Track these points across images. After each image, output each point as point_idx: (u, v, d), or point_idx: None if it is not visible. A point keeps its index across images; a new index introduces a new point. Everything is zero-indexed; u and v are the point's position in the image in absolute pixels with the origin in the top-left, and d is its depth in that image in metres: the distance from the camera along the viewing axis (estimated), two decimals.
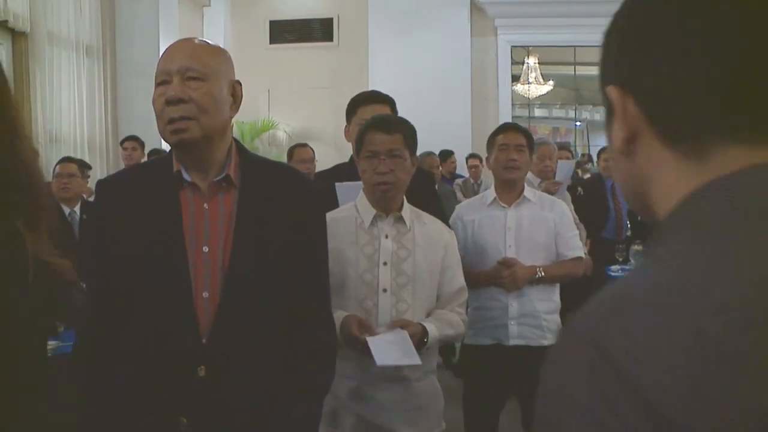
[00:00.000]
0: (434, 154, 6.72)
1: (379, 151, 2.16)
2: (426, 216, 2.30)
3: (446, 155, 7.49)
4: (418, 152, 6.93)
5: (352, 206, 2.25)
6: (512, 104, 9.56)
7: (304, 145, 5.52)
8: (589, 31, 8.89)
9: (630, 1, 0.70)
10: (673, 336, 0.50)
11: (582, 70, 11.62)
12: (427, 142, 7.12)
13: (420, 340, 2.07)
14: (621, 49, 0.68)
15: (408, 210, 2.25)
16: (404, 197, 2.25)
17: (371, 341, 1.98)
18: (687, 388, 0.49)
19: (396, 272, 2.16)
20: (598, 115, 14.30)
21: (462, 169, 8.04)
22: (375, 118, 2.34)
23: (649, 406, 0.49)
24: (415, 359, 2.01)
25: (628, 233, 6.18)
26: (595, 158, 10.42)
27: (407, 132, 2.23)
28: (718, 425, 0.48)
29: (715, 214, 0.58)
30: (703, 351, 0.49)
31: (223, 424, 1.52)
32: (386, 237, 2.19)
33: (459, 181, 7.66)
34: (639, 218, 4.85)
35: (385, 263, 2.16)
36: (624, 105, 0.64)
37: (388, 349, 1.98)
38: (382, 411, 2.11)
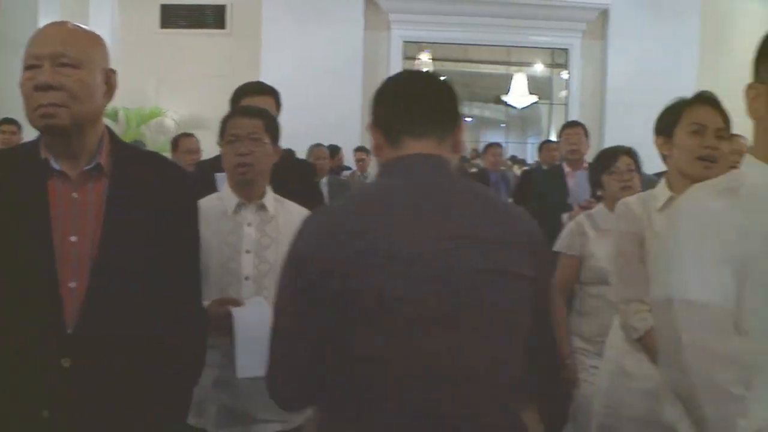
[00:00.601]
0: (323, 146, 6.77)
1: (239, 134, 2.20)
2: (292, 205, 2.32)
3: (334, 151, 7.58)
4: (308, 144, 6.96)
5: (215, 195, 2.27)
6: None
7: (190, 135, 5.40)
8: (481, 30, 9.21)
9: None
10: (315, 224, 1.46)
11: (474, 68, 11.92)
12: (317, 135, 7.17)
13: None
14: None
15: (271, 198, 2.27)
16: (269, 186, 2.29)
17: (236, 312, 2.03)
18: (313, 248, 1.40)
19: (259, 260, 2.18)
20: (488, 111, 14.73)
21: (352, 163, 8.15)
22: (239, 107, 2.41)
23: (295, 265, 1.41)
24: None
25: None
26: (514, 156, 10.79)
27: (268, 120, 2.28)
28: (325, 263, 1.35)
29: (383, 171, 1.53)
30: (324, 229, 1.42)
31: (87, 417, 1.49)
32: (249, 225, 2.21)
33: (347, 173, 7.78)
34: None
35: (247, 251, 2.18)
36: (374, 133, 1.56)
37: (253, 348, 1.97)
38: (245, 399, 2.12)
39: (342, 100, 8.17)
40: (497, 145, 7.53)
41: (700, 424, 1.35)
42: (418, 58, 10.47)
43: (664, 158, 2.37)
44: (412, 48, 9.81)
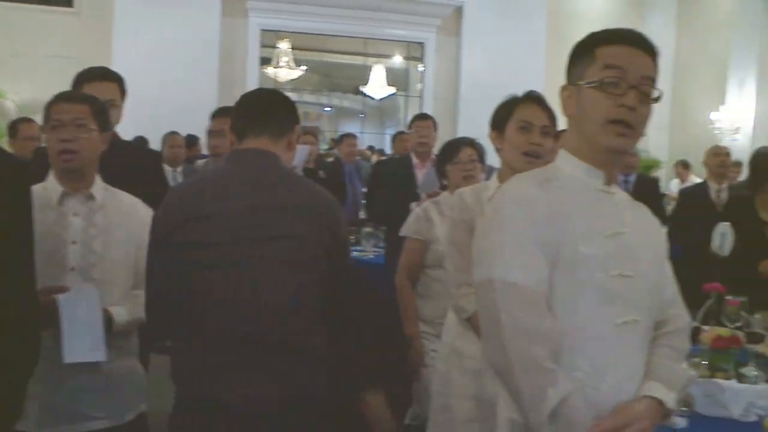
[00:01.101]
0: (178, 134, 6.60)
1: (63, 120, 2.12)
2: (122, 194, 2.29)
3: (192, 141, 7.39)
4: (162, 133, 6.75)
5: (41, 185, 2.17)
6: (262, 88, 9.57)
7: (30, 121, 5.11)
8: (340, 21, 9.28)
9: None
10: (169, 196, 2.00)
11: (333, 58, 11.98)
12: (172, 123, 6.99)
13: (107, 322, 2.09)
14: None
15: (101, 187, 2.23)
16: (97, 175, 2.24)
17: (61, 298, 2.00)
18: (162, 212, 1.95)
19: (85, 251, 2.14)
20: (347, 102, 14.86)
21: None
22: (64, 92, 2.28)
23: (153, 226, 1.97)
24: (101, 355, 2.04)
25: (362, 215, 6.56)
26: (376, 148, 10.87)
27: (96, 106, 2.21)
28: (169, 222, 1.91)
29: (226, 159, 2.08)
30: (171, 199, 1.98)
31: None
32: (75, 215, 2.16)
33: (201, 162, 7.62)
34: (376, 206, 5.12)
35: (74, 242, 2.13)
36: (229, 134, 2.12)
37: (80, 333, 1.99)
38: (69, 395, 2.08)
39: (197, 87, 7.96)
40: (351, 135, 7.57)
41: (516, 395, 1.50)
42: (277, 47, 10.41)
43: (498, 151, 2.51)
44: (270, 36, 9.74)
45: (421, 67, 9.81)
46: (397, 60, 11.39)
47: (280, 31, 9.68)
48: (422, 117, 5.13)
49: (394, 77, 11.67)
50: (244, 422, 1.86)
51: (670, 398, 1.57)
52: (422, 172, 4.88)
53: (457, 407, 2.41)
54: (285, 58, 10.57)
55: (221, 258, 1.86)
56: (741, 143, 9.40)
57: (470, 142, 3.39)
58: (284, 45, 10.45)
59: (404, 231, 3.33)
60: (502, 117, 2.47)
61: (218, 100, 8.00)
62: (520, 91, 2.54)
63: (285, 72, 10.64)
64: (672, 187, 9.93)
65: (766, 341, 3.01)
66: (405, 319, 3.24)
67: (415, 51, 9.96)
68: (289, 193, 1.96)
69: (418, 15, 9.33)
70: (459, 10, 9.32)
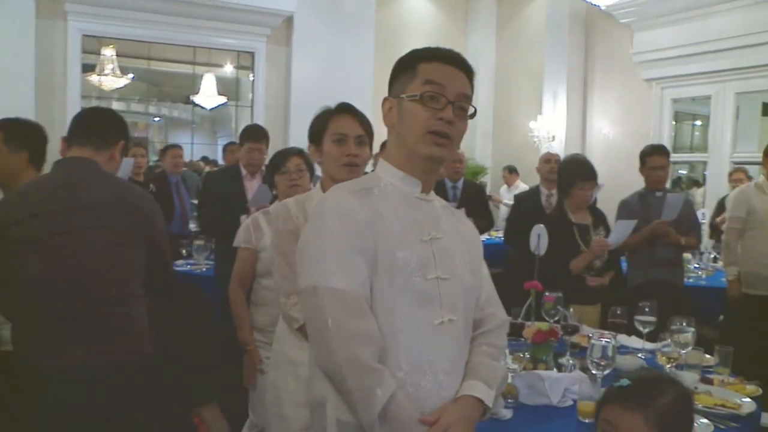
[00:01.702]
0: None
1: None
2: None
3: None
4: None
5: None
6: (85, 96, 9.04)
7: None
8: (167, 29, 8.98)
9: None
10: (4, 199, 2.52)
11: (162, 66, 11.59)
12: None
13: None
14: None
15: None
16: None
17: None
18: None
19: None
20: (177, 111, 14.43)
21: None
22: None
23: None
24: None
25: (193, 228, 6.41)
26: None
27: None
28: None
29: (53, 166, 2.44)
30: (7, 200, 2.47)
31: None
32: None
33: None
34: (206, 218, 4.98)
35: None
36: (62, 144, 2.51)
37: None
38: None
39: (11, 94, 7.30)
40: (176, 146, 7.30)
41: (347, 396, 1.55)
42: (102, 54, 9.92)
43: (319, 164, 2.56)
44: (92, 42, 9.25)
45: (252, 77, 9.71)
46: (228, 69, 11.22)
47: (103, 37, 9.19)
48: (255, 138, 4.94)
49: (225, 86, 11.48)
50: (67, 389, 2.20)
51: (489, 396, 1.69)
52: (252, 184, 4.85)
53: (292, 416, 2.42)
54: (110, 66, 10.11)
55: (42, 248, 2.26)
56: (556, 150, 10.06)
57: (298, 152, 3.42)
58: (109, 52, 9.98)
59: (236, 242, 3.34)
60: (317, 130, 2.52)
61: (36, 107, 7.49)
62: (350, 100, 2.59)
63: (110, 80, 10.17)
64: (502, 192, 10.48)
65: (580, 332, 3.26)
66: (239, 328, 3.25)
67: (245, 60, 9.85)
68: (102, 193, 2.37)
69: (249, 24, 9.22)
70: (289, 20, 9.32)
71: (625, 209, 4.85)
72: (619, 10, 9.63)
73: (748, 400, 2.61)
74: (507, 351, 2.55)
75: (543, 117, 10.69)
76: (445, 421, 1.58)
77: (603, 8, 9.80)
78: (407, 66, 1.73)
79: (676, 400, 1.56)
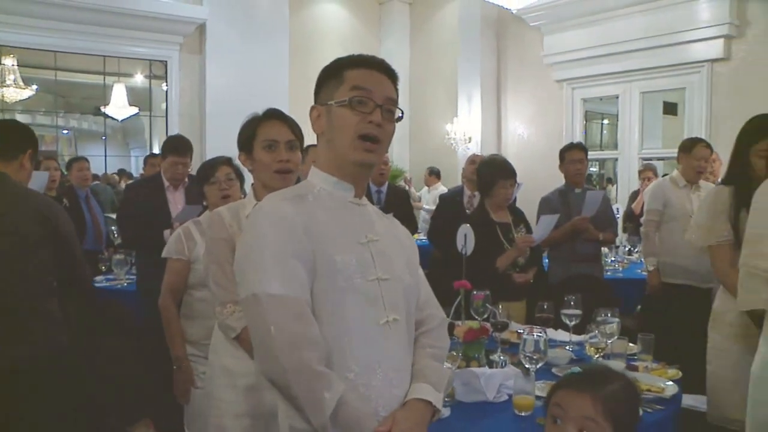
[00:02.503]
0: None
1: None
2: None
3: None
4: None
5: None
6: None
7: None
8: (74, 38, 8.66)
9: None
10: None
11: (69, 77, 11.21)
12: None
13: None
14: None
15: None
16: None
17: None
18: None
19: None
20: (86, 123, 13.97)
21: None
22: None
23: None
24: None
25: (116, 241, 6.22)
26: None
27: None
28: None
29: None
30: None
31: None
32: None
33: None
34: (128, 231, 4.86)
35: None
36: None
37: None
38: None
39: None
40: (82, 159, 6.97)
41: (293, 402, 1.54)
42: (3, 64, 9.52)
43: (251, 172, 2.53)
44: None
45: (165, 86, 9.50)
46: (139, 79, 10.94)
47: (4, 45, 8.78)
48: (179, 152, 4.80)
49: (136, 97, 11.19)
50: None
51: (438, 399, 1.73)
52: (175, 196, 4.75)
53: (232, 427, 2.38)
54: (11, 77, 9.71)
55: None
56: (473, 151, 10.27)
57: (226, 161, 3.36)
58: (10, 61, 9.59)
59: (165, 252, 3.23)
60: (247, 138, 2.49)
61: None
62: (266, 106, 2.57)
63: (12, 92, 9.78)
64: (422, 193, 10.59)
65: (509, 328, 3.32)
66: (171, 342, 3.13)
67: (158, 69, 9.62)
68: (8, 200, 2.64)
69: (160, 32, 9.00)
70: (202, 28, 9.15)
71: (547, 206, 4.98)
72: (529, 14, 9.90)
73: (671, 383, 2.74)
74: None
75: (459, 119, 10.88)
76: (399, 429, 1.60)
77: (514, 12, 10.06)
78: (333, 74, 1.76)
79: (623, 389, 1.62)
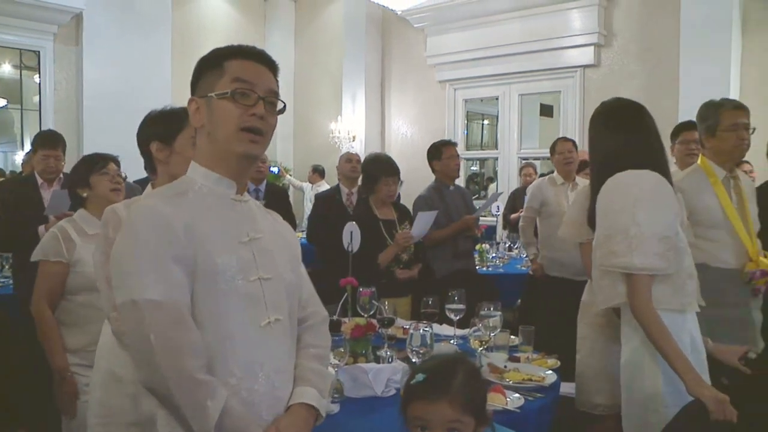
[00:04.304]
0: None
1: None
2: None
3: None
4: None
5: None
6: None
7: None
8: None
9: None
10: None
11: None
12: None
13: None
14: None
15: None
16: None
17: None
18: None
19: None
20: None
21: None
22: None
23: None
24: None
25: None
26: None
27: None
28: None
29: None
30: None
31: None
32: None
33: None
34: (2, 228, 4.60)
35: None
36: None
37: None
38: None
39: None
40: None
41: (176, 412, 1.49)
42: None
43: (160, 162, 2.42)
44: None
45: (38, 78, 8.99)
46: (7, 68, 10.32)
47: None
48: (49, 144, 4.61)
49: (5, 88, 10.56)
50: None
51: (322, 404, 1.74)
52: (49, 193, 4.52)
53: None
54: None
55: None
56: (357, 150, 10.32)
57: (116, 159, 3.20)
58: None
59: (39, 255, 3.00)
60: (176, 129, 2.37)
61: None
62: (149, 102, 2.48)
63: None
64: (306, 191, 10.54)
65: (395, 324, 3.36)
66: (51, 352, 2.90)
67: (30, 60, 9.10)
68: None
69: (32, 20, 8.49)
70: (79, 18, 8.72)
71: (425, 203, 5.04)
72: (413, 15, 10.05)
73: (550, 372, 2.85)
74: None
75: (343, 118, 10.91)
76: None
77: (399, 13, 10.18)
78: (212, 64, 1.71)
79: (467, 376, 1.69)
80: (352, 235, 3.73)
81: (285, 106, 1.76)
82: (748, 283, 3.25)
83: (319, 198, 6.13)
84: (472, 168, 12.76)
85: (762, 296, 3.32)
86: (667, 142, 4.63)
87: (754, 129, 3.43)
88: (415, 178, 7.47)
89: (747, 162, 6.06)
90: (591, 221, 2.64)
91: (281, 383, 1.68)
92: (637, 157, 2.49)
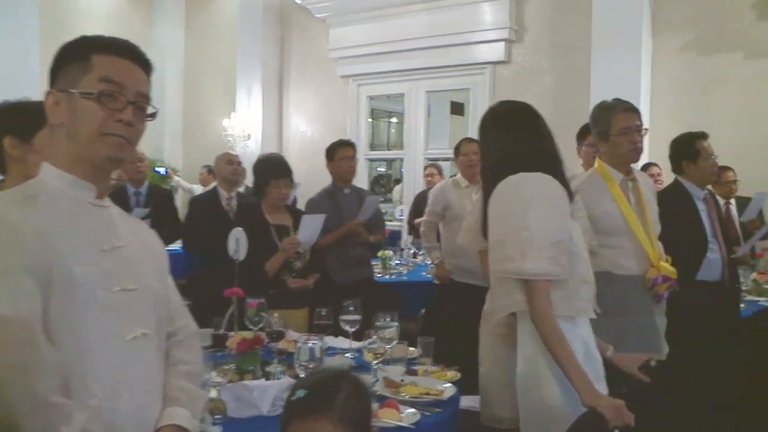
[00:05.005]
0: None
1: None
2: None
3: None
4: None
5: None
6: None
7: None
8: None
9: None
10: None
11: None
12: None
13: None
14: None
15: None
16: None
17: None
18: None
19: None
20: None
21: None
22: None
23: None
24: None
25: None
26: None
27: None
28: None
29: None
30: None
31: None
32: None
33: None
34: None
35: None
36: None
37: None
38: None
39: None
40: None
41: None
42: None
43: (15, 162, 2.33)
44: None
45: None
46: None
47: None
48: None
49: None
50: None
51: (194, 425, 1.71)
52: None
53: None
54: None
55: None
56: (252, 149, 10.23)
57: None
58: None
59: None
60: (30, 128, 2.29)
61: None
62: (16, 91, 2.40)
63: None
64: (195, 190, 10.32)
65: (286, 337, 3.35)
66: None
67: None
68: None
69: None
70: None
71: (316, 207, 5.01)
72: (314, 4, 10.05)
73: (449, 385, 2.91)
74: (212, 364, 2.56)
75: (237, 114, 10.79)
76: None
77: (298, 1, 10.15)
78: (79, 55, 1.66)
79: (351, 392, 1.71)
80: (238, 242, 3.70)
81: (156, 112, 1.72)
82: (651, 290, 3.40)
83: (196, 202, 5.87)
84: (378, 169, 12.86)
85: (665, 302, 3.49)
86: (574, 143, 4.86)
87: (647, 130, 3.60)
88: (316, 180, 7.45)
89: (655, 164, 6.37)
90: (484, 228, 2.69)
91: (149, 402, 1.64)
92: (529, 159, 2.56)
